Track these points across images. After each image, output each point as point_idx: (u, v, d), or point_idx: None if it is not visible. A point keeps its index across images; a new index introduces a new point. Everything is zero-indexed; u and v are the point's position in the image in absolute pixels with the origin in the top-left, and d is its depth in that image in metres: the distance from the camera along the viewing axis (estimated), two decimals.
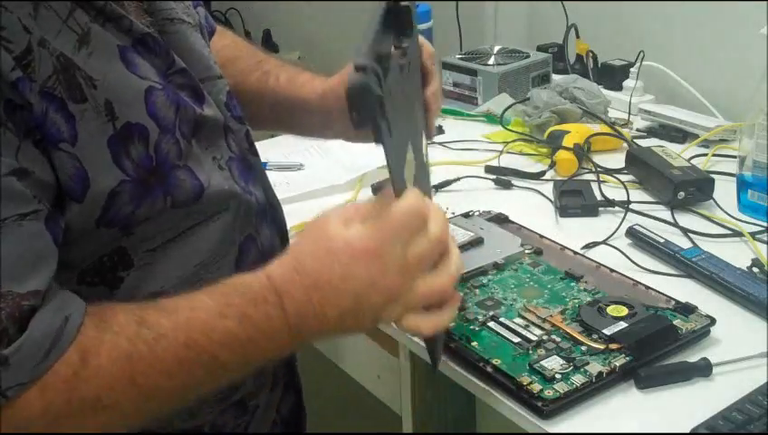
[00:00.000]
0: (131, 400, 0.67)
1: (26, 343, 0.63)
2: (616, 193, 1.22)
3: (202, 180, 0.76)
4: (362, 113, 0.64)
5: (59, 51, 0.67)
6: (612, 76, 1.64)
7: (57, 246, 0.67)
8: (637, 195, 1.23)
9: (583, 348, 0.87)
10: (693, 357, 0.87)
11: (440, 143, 1.48)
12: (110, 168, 0.70)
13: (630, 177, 1.28)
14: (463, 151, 1.44)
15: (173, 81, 0.77)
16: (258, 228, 0.84)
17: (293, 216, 0.95)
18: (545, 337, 0.89)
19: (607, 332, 0.88)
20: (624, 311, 0.91)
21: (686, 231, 1.12)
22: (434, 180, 1.31)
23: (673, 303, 0.94)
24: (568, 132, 1.36)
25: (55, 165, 0.66)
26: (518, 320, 0.92)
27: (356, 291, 0.69)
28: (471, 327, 0.91)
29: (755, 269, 1.02)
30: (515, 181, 1.31)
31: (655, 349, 0.86)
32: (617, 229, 1.12)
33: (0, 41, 0.63)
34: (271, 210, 0.89)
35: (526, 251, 1.06)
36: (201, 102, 0.79)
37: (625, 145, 1.38)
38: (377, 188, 1.28)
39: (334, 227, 0.70)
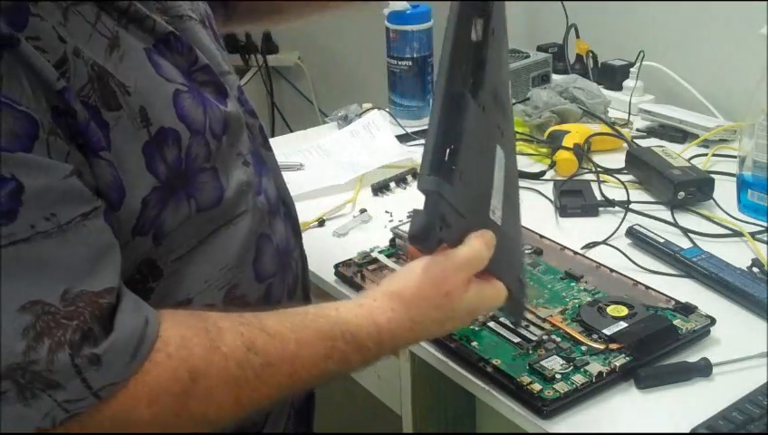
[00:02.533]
0: (233, 417, 0.70)
1: (116, 343, 0.63)
2: (616, 193, 1.22)
3: (223, 183, 0.76)
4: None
5: (92, 59, 0.67)
6: (612, 76, 1.64)
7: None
8: (637, 195, 1.23)
9: (583, 348, 0.87)
10: (693, 357, 0.87)
11: None
12: (144, 175, 0.70)
13: (630, 177, 1.28)
14: None
15: (195, 79, 0.77)
16: (272, 225, 0.84)
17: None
18: (545, 337, 0.89)
19: (607, 332, 0.88)
20: (624, 311, 0.91)
21: (686, 231, 1.12)
22: None
23: (673, 303, 0.94)
24: (568, 132, 1.36)
25: (95, 173, 0.67)
26: None
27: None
28: (471, 327, 0.91)
29: (755, 269, 1.02)
30: None
31: (655, 349, 0.86)
32: (617, 229, 1.12)
33: (39, 51, 0.63)
34: (284, 207, 0.89)
35: (526, 251, 1.06)
36: (224, 99, 0.80)
37: (625, 145, 1.37)
38: (377, 189, 1.28)
39: (460, 298, 0.74)
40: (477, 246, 0.73)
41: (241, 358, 0.68)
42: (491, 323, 0.91)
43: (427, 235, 0.68)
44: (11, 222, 0.60)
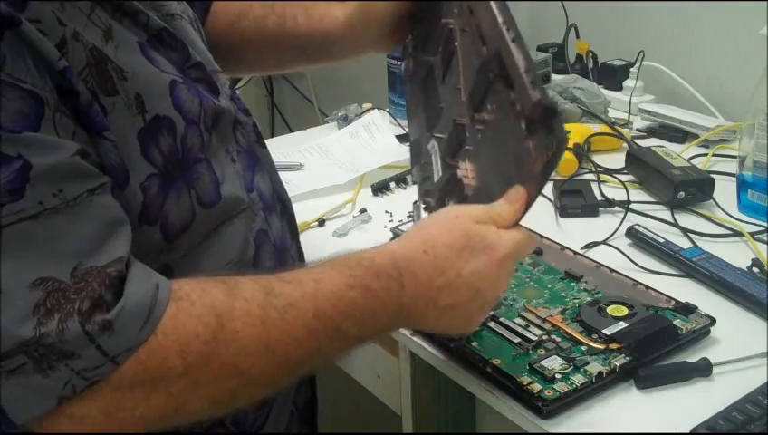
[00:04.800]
0: (265, 367, 0.68)
1: (127, 308, 0.63)
2: (616, 193, 1.22)
3: (218, 175, 0.77)
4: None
5: (91, 43, 0.68)
6: (612, 76, 1.64)
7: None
8: (637, 195, 1.23)
9: (583, 348, 0.87)
10: (693, 357, 0.87)
11: None
12: (140, 161, 0.70)
13: (630, 177, 1.28)
14: None
15: (189, 75, 0.78)
16: (269, 222, 0.84)
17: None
18: (545, 337, 0.89)
19: (607, 332, 0.88)
20: (624, 311, 0.91)
21: (686, 231, 1.12)
22: None
23: (673, 303, 0.94)
24: (568, 132, 1.36)
25: (100, 153, 0.67)
26: (518, 320, 0.92)
27: (479, 289, 0.75)
28: None
29: (755, 269, 1.02)
30: None
31: (655, 349, 0.86)
32: (617, 229, 1.12)
33: (40, 32, 0.63)
34: (280, 204, 0.89)
35: None
36: (217, 95, 0.80)
37: (625, 145, 1.38)
38: (377, 189, 1.28)
39: (473, 226, 0.75)
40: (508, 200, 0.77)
41: (262, 301, 0.68)
42: (491, 324, 0.91)
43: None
44: (19, 199, 0.61)
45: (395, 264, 0.74)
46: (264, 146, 0.90)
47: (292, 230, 0.91)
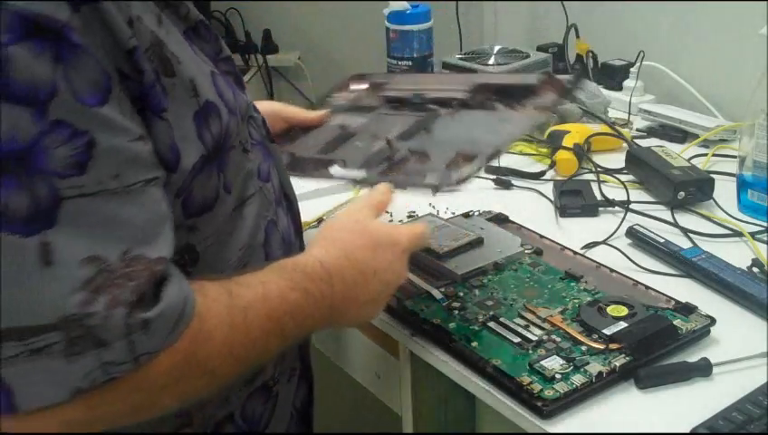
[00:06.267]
0: (227, 368, 0.71)
1: (164, 312, 0.64)
2: (616, 193, 1.22)
3: (246, 164, 0.80)
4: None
5: (150, 27, 0.69)
6: (612, 76, 1.64)
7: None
8: (637, 195, 1.23)
9: (583, 348, 0.87)
10: (693, 357, 0.87)
11: None
12: (195, 141, 0.72)
13: (630, 177, 1.28)
14: None
15: (220, 68, 0.80)
16: (277, 214, 0.86)
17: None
18: (545, 337, 0.89)
19: (607, 332, 0.88)
20: (624, 311, 0.91)
21: (686, 231, 1.12)
22: None
23: (673, 303, 0.94)
24: (568, 132, 1.36)
25: (154, 136, 0.68)
26: (518, 320, 0.92)
27: (389, 281, 0.85)
28: (471, 327, 0.91)
29: (755, 269, 1.02)
30: (515, 181, 1.31)
31: (655, 349, 0.86)
32: (617, 229, 1.12)
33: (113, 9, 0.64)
34: (286, 200, 0.91)
35: (526, 251, 1.06)
36: (243, 90, 0.83)
37: (625, 145, 1.37)
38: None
39: (375, 224, 0.87)
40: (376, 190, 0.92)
41: (226, 303, 0.70)
42: (491, 324, 0.92)
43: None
44: (81, 175, 0.61)
45: (325, 270, 0.79)
46: (273, 141, 0.92)
47: (297, 227, 0.92)
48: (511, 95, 1.10)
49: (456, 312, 0.94)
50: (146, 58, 0.67)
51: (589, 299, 0.95)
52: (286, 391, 0.90)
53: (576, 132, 1.36)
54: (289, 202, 0.91)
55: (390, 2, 1.52)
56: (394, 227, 0.90)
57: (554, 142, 1.36)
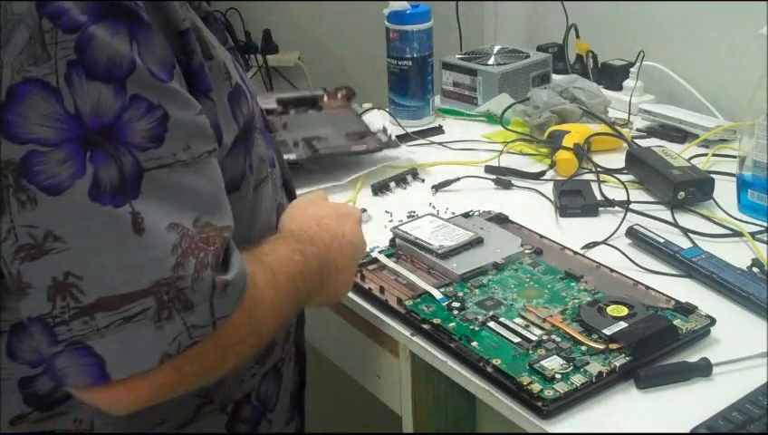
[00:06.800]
0: (271, 327, 0.75)
1: (238, 275, 0.67)
2: (616, 193, 1.22)
3: (264, 146, 0.83)
4: None
5: (187, 14, 0.72)
6: (612, 76, 1.64)
7: None
8: (637, 195, 1.23)
9: (583, 348, 0.87)
10: (693, 357, 0.87)
11: (440, 143, 1.48)
12: (231, 122, 0.75)
13: (630, 177, 1.28)
14: (463, 151, 1.44)
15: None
16: (283, 198, 0.90)
17: None
18: (545, 337, 0.89)
19: (607, 332, 0.88)
20: (624, 311, 0.91)
21: (686, 231, 1.12)
22: (434, 180, 1.31)
23: (673, 303, 0.94)
24: (568, 132, 1.36)
25: (203, 112, 0.70)
26: (518, 320, 0.92)
27: (356, 245, 0.90)
28: (471, 327, 0.91)
29: (755, 269, 1.02)
30: (515, 181, 1.31)
31: (655, 349, 0.86)
32: (617, 229, 1.12)
33: None
34: (286, 188, 0.94)
35: (526, 251, 1.06)
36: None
37: (625, 145, 1.37)
38: (377, 189, 1.29)
39: (330, 202, 0.95)
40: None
41: (257, 266, 0.73)
42: (491, 324, 0.92)
43: None
44: (158, 147, 0.64)
45: (307, 235, 0.84)
46: (272, 131, 0.96)
47: None
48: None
49: (456, 312, 0.94)
50: (194, 40, 0.70)
51: (589, 299, 0.95)
52: (288, 372, 0.92)
53: (576, 132, 1.36)
54: (289, 190, 0.95)
55: (390, 2, 1.51)
56: (342, 203, 1.02)
57: (554, 142, 1.36)
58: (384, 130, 1.38)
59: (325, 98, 1.49)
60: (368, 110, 1.54)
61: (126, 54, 0.63)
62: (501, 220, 1.16)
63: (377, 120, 1.47)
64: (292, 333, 0.93)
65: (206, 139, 0.69)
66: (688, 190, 1.18)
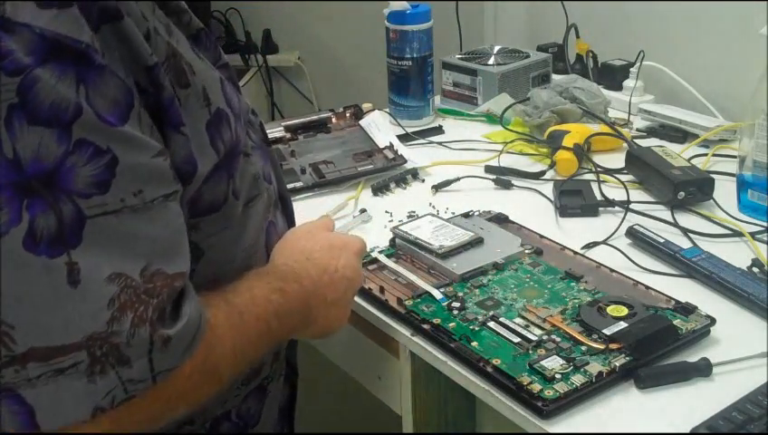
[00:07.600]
0: (232, 371, 0.73)
1: (184, 328, 0.65)
2: (616, 193, 1.22)
3: (251, 167, 0.81)
4: None
5: (165, 38, 0.69)
6: (612, 76, 1.64)
7: None
8: (637, 195, 1.23)
9: (583, 348, 0.87)
10: (693, 357, 0.87)
11: (440, 143, 1.48)
12: (209, 151, 0.72)
13: (630, 177, 1.28)
14: (463, 151, 1.44)
15: (220, 74, 0.80)
16: (276, 216, 0.88)
17: (295, 215, 0.96)
18: (545, 337, 0.89)
19: (607, 332, 0.88)
20: (624, 311, 0.91)
21: (686, 231, 1.12)
22: (434, 180, 1.31)
23: (673, 303, 0.94)
24: (568, 132, 1.36)
25: (172, 150, 0.68)
26: (518, 320, 0.92)
27: (350, 278, 0.88)
28: (471, 327, 0.91)
29: (755, 269, 1.02)
30: (515, 181, 1.31)
31: (655, 349, 0.86)
32: (617, 229, 1.12)
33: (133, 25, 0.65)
34: (282, 201, 0.92)
35: (526, 251, 1.06)
36: (240, 95, 0.84)
37: (625, 145, 1.37)
38: (377, 189, 1.29)
39: (326, 233, 0.91)
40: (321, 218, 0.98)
41: (225, 307, 0.72)
42: (491, 324, 0.92)
43: None
44: (104, 193, 0.62)
45: (293, 271, 0.82)
46: (270, 144, 0.93)
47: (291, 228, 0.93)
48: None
49: (456, 312, 0.94)
50: (164, 73, 0.67)
51: (589, 299, 0.95)
52: (275, 389, 0.91)
53: (576, 132, 1.36)
54: (285, 204, 0.93)
55: (390, 2, 1.51)
56: (342, 234, 0.99)
57: (554, 142, 1.36)
58: (391, 147, 1.38)
59: (333, 119, 1.49)
60: (368, 110, 1.54)
61: (71, 98, 0.60)
62: (501, 220, 1.16)
63: (385, 132, 1.46)
64: (282, 350, 0.92)
65: (162, 182, 0.66)
66: (688, 190, 1.18)
